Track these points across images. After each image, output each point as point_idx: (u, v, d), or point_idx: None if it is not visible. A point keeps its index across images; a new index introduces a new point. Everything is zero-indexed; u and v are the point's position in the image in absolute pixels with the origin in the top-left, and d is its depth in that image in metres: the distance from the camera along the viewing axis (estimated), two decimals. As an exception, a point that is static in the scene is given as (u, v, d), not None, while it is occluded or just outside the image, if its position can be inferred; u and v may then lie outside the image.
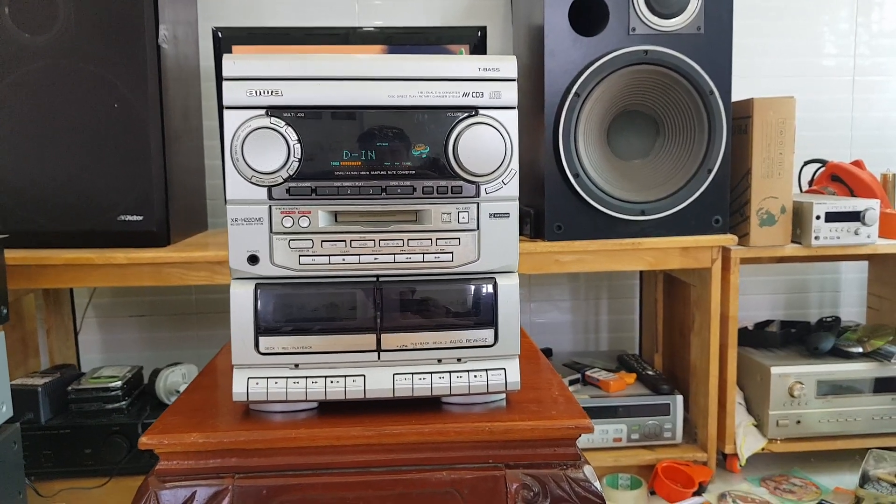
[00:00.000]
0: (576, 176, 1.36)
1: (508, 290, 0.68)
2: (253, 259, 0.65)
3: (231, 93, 0.63)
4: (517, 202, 0.68)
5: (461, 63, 0.66)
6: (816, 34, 1.89)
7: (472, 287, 0.68)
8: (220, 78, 1.45)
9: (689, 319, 1.57)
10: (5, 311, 1.18)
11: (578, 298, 1.93)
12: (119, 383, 1.43)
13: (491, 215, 0.67)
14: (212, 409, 0.72)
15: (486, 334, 0.68)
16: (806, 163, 1.76)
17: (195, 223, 1.59)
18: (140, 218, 1.34)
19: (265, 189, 0.65)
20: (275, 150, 0.63)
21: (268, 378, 0.66)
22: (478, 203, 0.67)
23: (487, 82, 0.66)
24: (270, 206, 0.65)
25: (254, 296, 0.66)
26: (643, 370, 1.57)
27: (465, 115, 0.66)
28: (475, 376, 0.68)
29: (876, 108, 1.93)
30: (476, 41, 1.49)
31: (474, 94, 0.66)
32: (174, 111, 1.42)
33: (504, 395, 0.72)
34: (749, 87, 1.56)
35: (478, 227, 0.67)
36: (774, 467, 1.54)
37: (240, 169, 0.64)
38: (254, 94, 0.63)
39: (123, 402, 1.42)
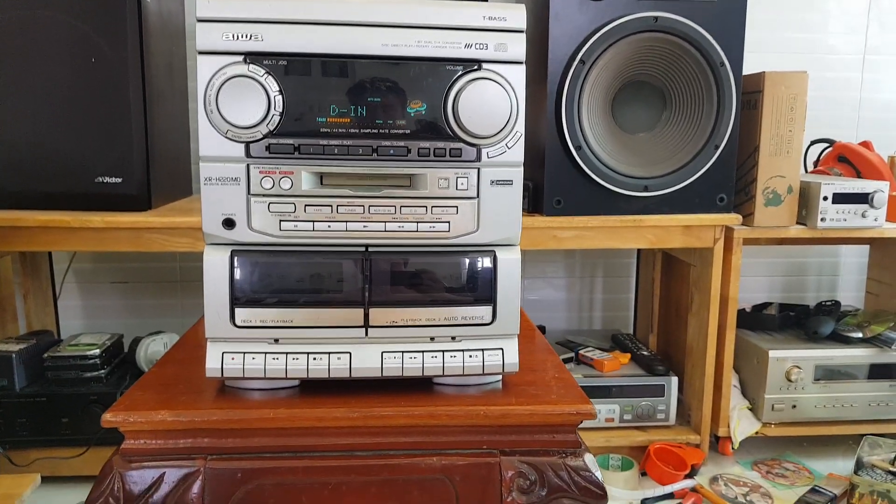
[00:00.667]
0: (578, 148, 1.30)
1: (509, 265, 0.63)
2: (228, 223, 0.59)
3: (205, 36, 0.56)
4: (521, 169, 0.62)
5: (464, 10, 0.59)
6: (828, 10, 1.82)
7: (470, 260, 0.62)
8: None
9: (686, 300, 1.52)
10: (-26, 273, 1.12)
11: (573, 276, 1.88)
12: (97, 351, 1.37)
13: (492, 182, 0.62)
14: (184, 385, 0.66)
15: (484, 311, 0.63)
16: (813, 142, 1.71)
17: (179, 188, 1.52)
18: (119, 180, 1.27)
19: (242, 145, 0.58)
20: (253, 102, 0.57)
21: (244, 353, 0.61)
22: (478, 168, 0.61)
23: (493, 33, 0.59)
24: (248, 165, 0.59)
25: (229, 263, 0.60)
26: (638, 350, 1.53)
27: (467, 69, 0.60)
28: (470, 356, 0.63)
29: (885, 90, 1.87)
30: (476, 3, 1.42)
31: (478, 46, 0.59)
32: (157, 69, 1.34)
33: (500, 377, 0.67)
34: (756, 62, 1.50)
35: (478, 195, 0.62)
36: (767, 451, 1.52)
37: (214, 122, 0.57)
38: (231, 37, 0.56)
39: (102, 371, 1.37)
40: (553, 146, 1.30)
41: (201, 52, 0.56)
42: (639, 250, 1.82)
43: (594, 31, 1.27)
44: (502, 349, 0.64)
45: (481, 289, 0.63)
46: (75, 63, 1.23)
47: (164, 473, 0.59)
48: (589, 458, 0.61)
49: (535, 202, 1.36)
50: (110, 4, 1.22)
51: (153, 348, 1.42)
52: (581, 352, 1.50)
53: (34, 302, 1.64)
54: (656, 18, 1.27)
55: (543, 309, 1.87)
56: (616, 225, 1.34)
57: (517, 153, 0.62)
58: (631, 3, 1.28)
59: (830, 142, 1.70)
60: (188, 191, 1.60)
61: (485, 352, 0.63)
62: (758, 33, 1.76)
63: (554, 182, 1.32)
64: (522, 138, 0.62)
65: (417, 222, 0.61)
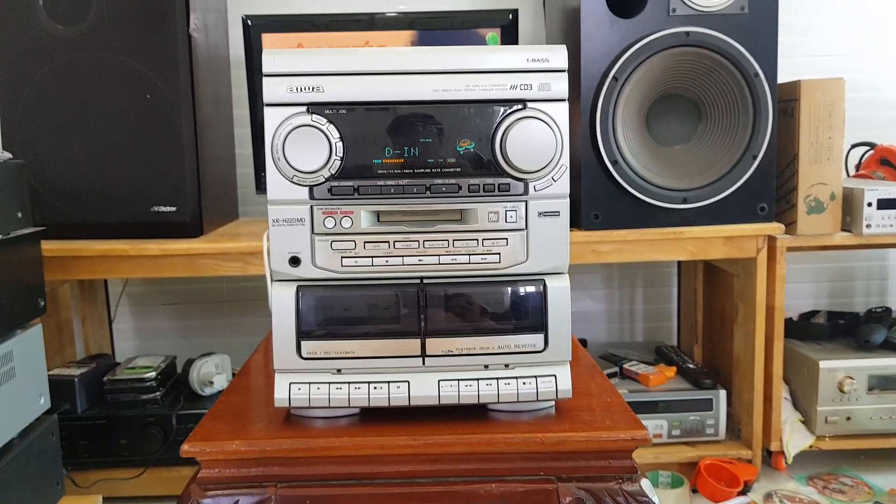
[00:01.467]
0: (614, 163, 1.31)
1: (559, 293, 0.65)
2: (294, 261, 0.63)
3: (271, 89, 0.60)
4: (568, 200, 0.64)
5: (508, 54, 0.62)
6: (863, 9, 1.80)
7: (521, 289, 0.65)
8: (250, 67, 1.43)
9: (731, 310, 1.52)
10: (43, 303, 1.18)
11: (612, 287, 1.88)
12: (153, 374, 1.43)
13: (540, 214, 0.64)
14: (251, 414, 0.70)
15: (536, 339, 0.65)
16: (853, 146, 1.69)
17: (226, 212, 1.58)
18: (173, 209, 1.33)
19: (307, 189, 0.62)
20: (316, 149, 0.60)
21: (310, 383, 0.64)
22: (526, 201, 0.64)
23: (536, 73, 0.62)
24: (312, 207, 0.62)
25: (296, 298, 0.63)
26: (683, 363, 1.53)
27: (513, 108, 0.62)
28: (524, 383, 0.65)
29: (926, 89, 1.84)
30: (507, 24, 1.45)
31: (522, 87, 0.62)
32: (205, 100, 1.40)
33: (553, 403, 0.69)
34: (791, 67, 1.49)
35: (526, 227, 0.64)
36: (822, 465, 1.49)
37: (281, 168, 0.61)
38: (295, 90, 0.60)
39: (158, 393, 1.42)
40: (589, 161, 1.32)
41: (268, 105, 0.60)
42: (679, 261, 1.81)
43: (626, 49, 1.29)
44: (555, 376, 0.66)
45: (532, 317, 0.65)
46: (131, 99, 1.30)
47: (238, 501, 0.62)
48: (646, 484, 0.63)
49: (572, 217, 1.37)
50: (162, 42, 1.29)
51: (205, 370, 1.46)
52: (625, 366, 1.51)
53: (91, 325, 1.71)
54: (688, 33, 1.28)
55: (583, 321, 1.88)
56: (656, 238, 1.34)
57: (563, 185, 0.64)
58: (661, 20, 1.29)
59: (871, 145, 1.68)
60: (235, 214, 1.65)
61: (538, 378, 0.65)
62: (790, 38, 1.75)
63: (591, 197, 1.33)
64: (568, 171, 0.64)
65: (469, 254, 0.64)
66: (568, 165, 0.64)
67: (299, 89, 0.60)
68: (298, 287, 0.64)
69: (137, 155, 1.31)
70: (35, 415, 1.16)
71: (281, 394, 0.64)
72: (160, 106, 1.30)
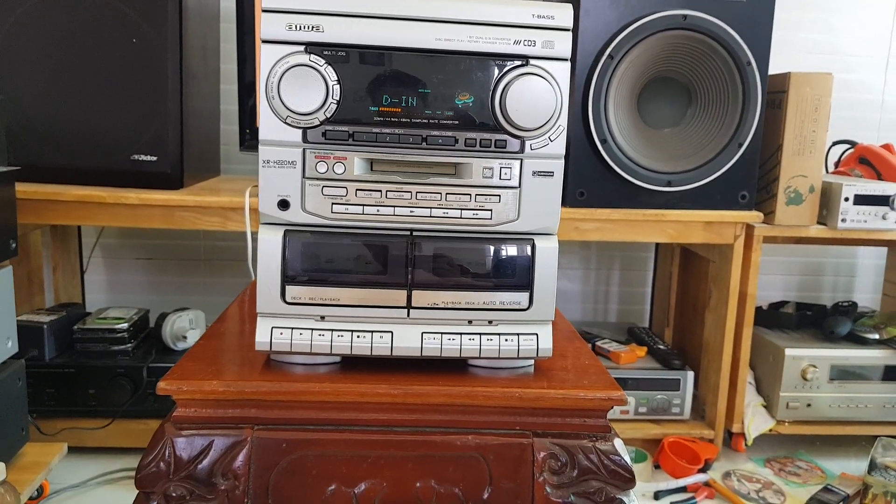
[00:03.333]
0: (603, 142, 1.32)
1: (547, 254, 0.65)
2: (283, 204, 0.62)
3: (269, 26, 0.59)
4: (563, 161, 0.64)
5: (514, 8, 0.61)
6: (852, 11, 1.82)
7: (510, 247, 0.65)
8: (241, 20, 1.40)
9: (704, 295, 1.54)
10: (14, 245, 1.16)
11: (589, 268, 1.90)
12: (125, 325, 1.41)
13: (534, 173, 0.64)
14: (230, 358, 0.69)
15: (521, 297, 0.65)
16: (834, 143, 1.72)
17: (208, 168, 1.55)
18: (154, 158, 1.30)
19: (300, 131, 0.61)
20: (313, 90, 0.59)
21: (292, 328, 0.64)
22: (521, 159, 0.64)
23: (541, 31, 0.61)
24: (305, 150, 0.61)
25: (283, 242, 0.63)
26: (654, 344, 1.55)
27: (516, 64, 0.62)
28: (506, 340, 0.66)
29: (909, 92, 1.87)
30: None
31: (526, 43, 0.62)
32: (193, 50, 1.37)
33: (532, 362, 0.70)
34: (779, 62, 1.50)
35: (520, 185, 0.64)
36: (779, 449, 1.54)
37: (275, 108, 0.60)
38: (293, 28, 0.59)
39: (129, 345, 1.41)
40: (578, 139, 1.32)
41: (265, 41, 0.59)
42: (657, 244, 1.84)
43: (623, 27, 1.29)
44: (537, 334, 0.66)
45: (519, 275, 0.65)
46: (116, 42, 1.26)
47: (213, 441, 0.62)
48: (619, 443, 0.64)
49: (559, 194, 1.38)
50: (152, -14, 1.25)
51: (179, 324, 1.45)
52: (598, 343, 1.53)
53: (62, 275, 1.68)
54: (685, 17, 1.29)
55: (558, 300, 1.87)
56: (638, 218, 1.36)
57: (559, 146, 0.64)
58: (660, 1, 1.29)
59: (852, 143, 1.71)
60: (216, 170, 1.63)
61: (520, 336, 0.66)
62: (782, 33, 1.76)
63: (578, 174, 1.34)
64: (565, 132, 0.64)
65: (461, 209, 0.64)
66: (566, 127, 0.64)
67: (298, 27, 0.59)
68: (286, 231, 0.63)
69: (120, 100, 1.28)
70: (1, 358, 1.14)
71: (262, 337, 0.64)
72: (146, 52, 1.27)
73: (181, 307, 1.50)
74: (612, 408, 0.64)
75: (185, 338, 1.44)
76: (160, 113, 1.29)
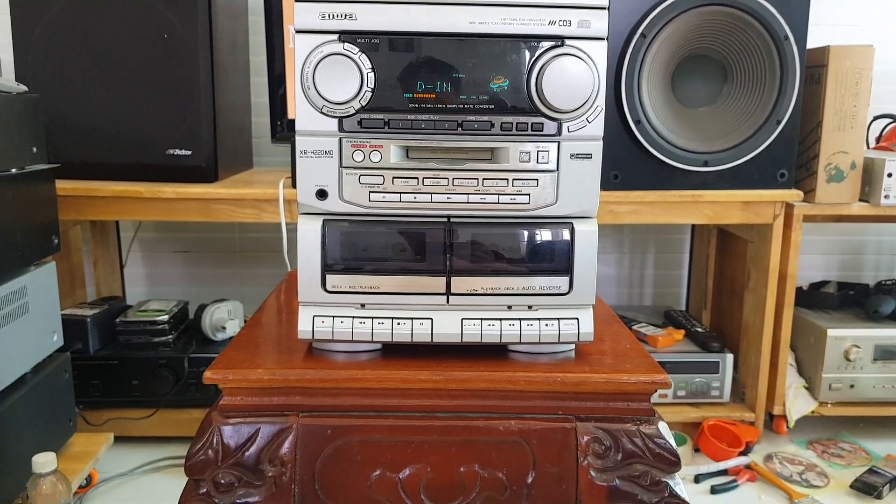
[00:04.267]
0: (637, 122, 1.30)
1: (586, 237, 0.64)
2: (322, 194, 0.62)
3: (302, 16, 0.59)
4: (601, 142, 0.64)
5: (548, -12, 0.60)
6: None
7: (549, 231, 0.64)
8: (269, 13, 1.40)
9: (742, 277, 1.52)
10: (57, 240, 1.19)
11: (623, 251, 1.88)
12: (166, 317, 1.44)
13: (572, 156, 0.63)
14: (273, 346, 0.70)
15: (561, 282, 0.65)
16: (875, 118, 1.67)
17: (241, 161, 1.57)
18: (189, 152, 1.32)
19: (336, 120, 0.61)
20: (348, 79, 0.59)
21: (333, 317, 0.64)
22: (559, 142, 0.63)
23: (576, 10, 0.60)
24: (341, 139, 0.62)
25: (321, 232, 0.63)
26: (692, 327, 1.53)
27: (551, 45, 0.61)
28: (546, 325, 0.65)
29: (952, 63, 1.80)
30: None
31: (561, 23, 0.61)
32: (223, 44, 1.38)
33: (573, 346, 0.69)
34: (818, 35, 1.46)
35: (557, 168, 0.63)
36: (822, 431, 1.51)
37: (310, 98, 0.60)
38: (326, 17, 0.59)
39: (170, 336, 1.43)
40: (611, 120, 1.30)
41: (299, 31, 0.59)
42: (693, 226, 1.81)
43: (656, 5, 1.26)
44: (578, 319, 0.66)
45: (559, 260, 0.65)
46: (149, 39, 1.28)
47: (259, 429, 0.63)
48: (663, 426, 0.63)
49: (591, 177, 1.36)
50: (181, -19, 1.26)
51: (218, 315, 1.47)
52: (634, 327, 1.51)
53: (102, 269, 1.72)
54: (720, -8, 1.25)
55: (592, 284, 1.87)
56: (674, 200, 1.33)
57: (597, 127, 0.63)
58: (694, -24, 1.26)
59: (894, 117, 1.65)
60: (249, 163, 1.64)
61: (560, 321, 0.65)
62: (820, 5, 1.71)
63: (611, 156, 1.32)
64: (603, 113, 0.63)
65: (499, 194, 0.63)
66: (603, 107, 0.63)
67: (331, 16, 0.59)
68: (325, 220, 0.63)
69: (153, 96, 1.30)
70: (48, 351, 1.18)
71: (305, 326, 0.65)
72: (177, 47, 1.29)
73: (219, 298, 1.52)
74: (656, 391, 0.63)
75: (224, 328, 1.46)
76: (193, 107, 1.31)
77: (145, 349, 1.42)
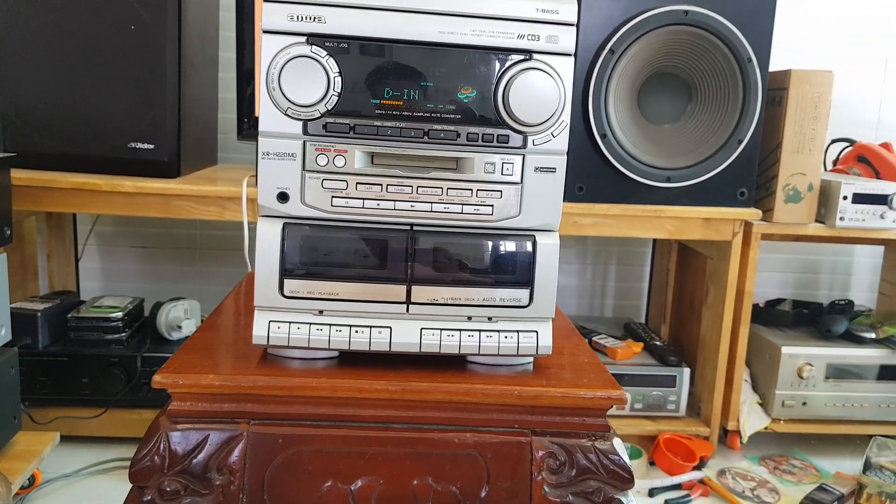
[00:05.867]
0: (603, 136, 1.31)
1: (548, 250, 0.65)
2: (283, 197, 0.61)
3: (270, 16, 0.58)
4: (565, 157, 0.64)
5: (519, 3, 0.60)
6: (853, 6, 1.81)
7: (511, 243, 0.64)
8: (240, 9, 1.38)
9: (701, 292, 1.54)
10: (9, 232, 1.15)
11: (585, 262, 1.90)
12: (120, 314, 1.40)
13: (536, 169, 0.63)
14: (226, 351, 0.69)
15: (521, 294, 0.65)
16: (833, 141, 1.72)
17: (205, 157, 1.54)
18: (151, 146, 1.29)
19: (301, 123, 0.60)
20: (314, 82, 0.58)
21: (290, 322, 0.63)
22: (524, 155, 0.63)
23: (545, 25, 0.61)
24: (305, 142, 0.61)
25: (281, 235, 0.62)
26: (651, 340, 1.55)
27: (519, 58, 0.61)
28: (506, 337, 0.65)
29: (908, 91, 1.87)
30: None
31: (530, 37, 0.61)
32: (192, 38, 1.35)
33: (531, 359, 0.69)
34: (778, 58, 1.50)
35: (521, 181, 0.63)
36: (774, 447, 1.54)
37: (275, 99, 0.59)
38: (295, 18, 0.58)
39: (123, 334, 1.40)
40: (578, 133, 1.31)
41: (266, 31, 0.58)
42: (654, 240, 1.83)
43: (625, 22, 1.28)
44: (537, 332, 0.66)
45: (520, 272, 0.65)
46: (115, 30, 1.25)
47: (209, 436, 0.62)
48: (618, 443, 0.64)
49: (558, 189, 1.37)
50: (149, -28, 1.24)
51: (174, 314, 1.44)
52: (594, 338, 1.53)
53: (56, 262, 1.67)
54: (686, 12, 1.28)
55: (555, 294, 1.89)
56: (637, 214, 1.35)
57: (562, 142, 0.63)
58: (663, -4, 1.28)
59: (851, 141, 1.70)
60: (213, 159, 1.62)
61: (520, 333, 0.65)
62: (782, 30, 1.75)
63: (577, 169, 1.33)
64: (568, 128, 0.63)
65: (462, 204, 0.63)
66: (568, 122, 0.63)
67: (299, 18, 0.58)
68: (285, 224, 0.62)
69: (117, 87, 1.27)
70: (-5, 345, 1.13)
71: (260, 331, 0.63)
72: (145, 39, 1.26)
73: (176, 297, 1.49)
74: (612, 407, 0.64)
75: (179, 327, 1.43)
76: (158, 101, 1.28)
77: (97, 346, 1.38)
